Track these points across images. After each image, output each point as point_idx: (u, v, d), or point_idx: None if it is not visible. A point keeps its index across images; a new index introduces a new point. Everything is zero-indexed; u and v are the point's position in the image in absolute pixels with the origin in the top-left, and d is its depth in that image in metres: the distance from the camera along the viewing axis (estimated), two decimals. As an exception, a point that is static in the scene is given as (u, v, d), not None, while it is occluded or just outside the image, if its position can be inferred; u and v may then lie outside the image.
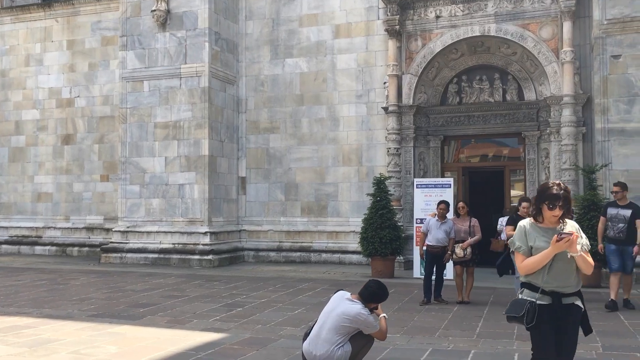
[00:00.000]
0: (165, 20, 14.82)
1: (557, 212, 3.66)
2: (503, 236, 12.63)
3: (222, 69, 15.22)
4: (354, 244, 14.35)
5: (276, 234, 15.26)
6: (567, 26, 12.47)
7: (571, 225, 3.75)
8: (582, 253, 3.60)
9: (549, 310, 3.69)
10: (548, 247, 3.60)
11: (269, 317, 7.71)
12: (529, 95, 13.67)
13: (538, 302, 3.68)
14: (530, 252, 3.73)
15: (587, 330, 3.85)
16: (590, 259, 3.65)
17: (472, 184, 14.54)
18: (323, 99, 15.05)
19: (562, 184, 3.75)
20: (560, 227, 3.68)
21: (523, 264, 3.73)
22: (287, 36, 15.38)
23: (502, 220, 12.87)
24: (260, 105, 15.64)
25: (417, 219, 11.95)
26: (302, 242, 14.98)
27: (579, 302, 3.77)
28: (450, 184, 11.77)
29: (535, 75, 13.43)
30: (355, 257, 14.32)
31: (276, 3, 15.55)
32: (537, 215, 3.77)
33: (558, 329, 3.72)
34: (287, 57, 15.39)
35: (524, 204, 8.62)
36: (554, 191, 3.69)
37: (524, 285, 3.80)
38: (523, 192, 13.97)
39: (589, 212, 10.48)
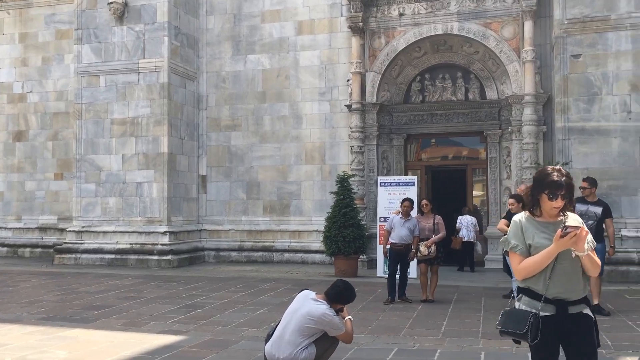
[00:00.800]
0: (122, 13, 14.36)
1: (559, 202, 3.05)
2: (462, 233, 12.75)
3: (182, 64, 14.84)
4: (317, 243, 14.19)
5: (238, 233, 14.97)
6: (528, 25, 12.56)
7: (574, 219, 3.14)
8: (589, 252, 3.02)
9: (554, 322, 3.07)
10: (549, 244, 3.01)
11: (229, 318, 7.46)
12: (491, 94, 13.74)
13: (541, 313, 3.06)
14: (528, 251, 3.12)
15: (596, 344, 3.18)
16: (597, 259, 3.08)
17: (435, 182, 14.54)
18: (286, 96, 14.83)
19: (563, 170, 3.13)
20: (563, 220, 3.09)
21: (521, 266, 3.11)
22: (249, 32, 15.10)
23: (461, 219, 12.95)
24: (222, 102, 15.32)
25: (380, 218, 11.86)
26: (264, 242, 14.73)
27: (587, 311, 3.16)
28: (414, 182, 11.70)
29: (497, 74, 13.50)
30: (318, 257, 14.15)
31: (238, -2, 15.25)
32: (534, 207, 3.17)
33: (567, 344, 3.12)
34: (249, 53, 15.11)
35: (510, 200, 8.61)
36: (555, 178, 3.06)
37: (523, 291, 3.18)
38: (484, 192, 14.06)
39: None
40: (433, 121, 14.02)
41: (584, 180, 8.95)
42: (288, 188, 14.74)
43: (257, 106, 15.04)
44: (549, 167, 3.18)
